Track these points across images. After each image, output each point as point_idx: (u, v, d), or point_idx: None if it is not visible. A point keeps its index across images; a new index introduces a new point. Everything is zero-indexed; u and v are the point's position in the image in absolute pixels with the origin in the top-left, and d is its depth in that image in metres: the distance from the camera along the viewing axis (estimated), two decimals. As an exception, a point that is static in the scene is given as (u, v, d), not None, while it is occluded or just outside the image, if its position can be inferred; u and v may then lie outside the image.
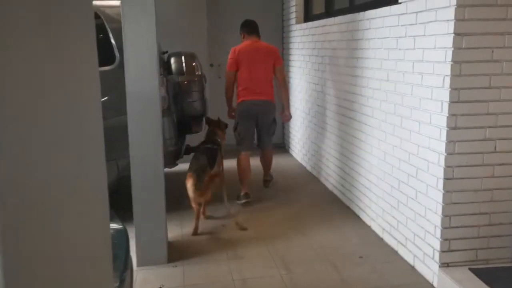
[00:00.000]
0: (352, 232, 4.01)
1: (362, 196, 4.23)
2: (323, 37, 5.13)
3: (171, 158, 4.45)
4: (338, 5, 5.19)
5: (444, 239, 3.01)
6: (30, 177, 0.66)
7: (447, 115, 2.88)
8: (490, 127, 2.91)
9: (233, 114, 5.05)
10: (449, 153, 2.91)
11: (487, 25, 2.80)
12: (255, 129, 4.99)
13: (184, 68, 4.66)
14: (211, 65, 6.66)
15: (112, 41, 4.18)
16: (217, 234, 4.05)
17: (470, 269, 2.99)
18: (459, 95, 2.85)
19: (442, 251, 3.02)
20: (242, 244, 3.82)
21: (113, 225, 2.40)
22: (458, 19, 2.77)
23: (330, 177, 5.11)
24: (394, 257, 3.54)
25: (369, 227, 4.08)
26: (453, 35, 2.78)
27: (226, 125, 4.98)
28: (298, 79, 6.21)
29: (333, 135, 4.93)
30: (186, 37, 6.00)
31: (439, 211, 2.99)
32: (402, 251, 3.53)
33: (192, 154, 4.65)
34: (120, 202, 3.61)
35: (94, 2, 4.40)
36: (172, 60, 4.76)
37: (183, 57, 4.73)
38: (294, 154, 6.64)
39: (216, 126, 4.85)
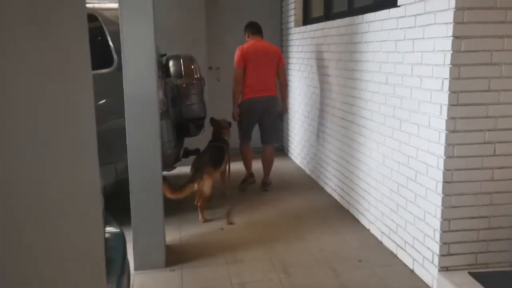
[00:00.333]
0: (351, 235, 4.00)
1: (361, 199, 4.22)
2: (322, 40, 5.13)
3: (169, 161, 4.43)
4: (337, 8, 5.18)
5: (444, 243, 2.99)
6: (20, 179, 0.65)
7: (446, 118, 2.87)
8: (489, 130, 2.90)
9: (237, 116, 5.18)
10: (448, 156, 2.90)
11: (486, 28, 2.80)
12: (259, 126, 5.23)
13: (183, 71, 4.65)
14: (210, 68, 6.65)
15: (110, 43, 4.17)
16: (215, 237, 4.03)
17: (469, 273, 2.97)
18: (458, 98, 2.85)
19: (442, 255, 3.01)
20: (240, 247, 3.80)
21: (110, 229, 2.39)
22: (457, 22, 2.76)
23: (329, 181, 5.10)
24: (393, 260, 3.53)
25: (368, 231, 4.07)
26: (452, 38, 2.78)
27: (230, 124, 5.15)
28: (297, 82, 6.20)
29: (332, 138, 4.92)
30: (185, 40, 6.00)
31: (439, 215, 2.98)
32: (401, 255, 3.51)
33: (190, 157, 4.92)
34: (118, 205, 3.61)
35: (92, 5, 4.39)
36: (171, 62, 4.75)
37: (181, 60, 4.73)
38: (293, 157, 6.63)
39: (222, 125, 5.00)
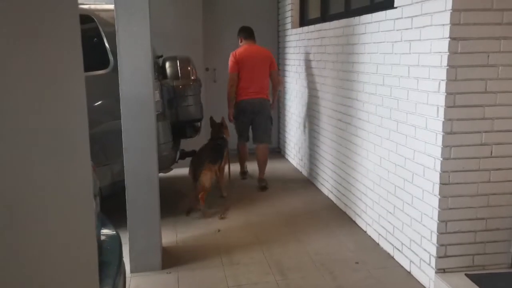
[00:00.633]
0: (348, 237, 3.99)
1: (358, 201, 4.21)
2: (318, 42, 5.13)
3: (166, 163, 4.42)
4: (334, 10, 5.19)
5: (440, 245, 2.99)
6: (6, 181, 0.63)
7: (443, 119, 2.86)
8: (486, 132, 2.90)
9: (232, 118, 5.46)
10: (445, 158, 2.90)
11: (483, 30, 2.80)
12: (251, 126, 5.48)
13: (179, 72, 4.64)
14: (207, 69, 6.64)
15: (106, 45, 4.15)
16: (212, 239, 4.02)
17: (466, 274, 2.97)
18: (454, 99, 2.84)
19: (438, 257, 3.00)
20: (237, 249, 3.79)
21: (106, 231, 2.37)
22: (454, 24, 2.76)
23: (326, 182, 5.10)
24: (390, 262, 3.52)
25: (365, 233, 4.06)
26: (448, 39, 2.78)
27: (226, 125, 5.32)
28: (293, 84, 6.20)
29: (329, 140, 4.91)
30: (182, 41, 5.99)
31: (435, 217, 2.97)
32: (398, 257, 3.51)
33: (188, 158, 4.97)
34: (114, 207, 3.59)
35: (88, 6, 4.38)
36: (167, 64, 4.73)
37: (178, 61, 4.71)
38: (290, 159, 6.62)
39: (221, 125, 5.14)
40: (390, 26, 3.48)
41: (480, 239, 3.01)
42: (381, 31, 3.62)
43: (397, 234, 3.50)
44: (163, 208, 3.62)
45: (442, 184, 2.92)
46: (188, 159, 5.22)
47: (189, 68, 4.73)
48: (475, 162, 2.92)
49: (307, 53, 5.57)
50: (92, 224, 0.96)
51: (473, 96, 2.86)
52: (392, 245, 3.58)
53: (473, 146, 2.91)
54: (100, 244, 2.17)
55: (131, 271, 3.37)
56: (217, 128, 5.08)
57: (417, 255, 3.22)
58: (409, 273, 3.33)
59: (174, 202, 4.96)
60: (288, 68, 6.47)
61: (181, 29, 6.10)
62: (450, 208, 2.95)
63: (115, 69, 3.54)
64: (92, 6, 4.43)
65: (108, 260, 2.12)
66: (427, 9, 2.97)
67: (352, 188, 4.34)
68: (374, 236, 3.90)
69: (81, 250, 0.86)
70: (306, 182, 5.64)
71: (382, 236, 3.75)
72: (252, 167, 5.94)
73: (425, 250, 3.11)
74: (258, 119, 5.37)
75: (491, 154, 2.92)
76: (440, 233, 2.97)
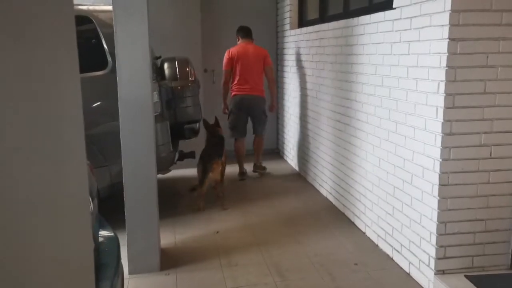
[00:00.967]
0: (347, 239, 3.98)
1: (357, 202, 4.21)
2: (317, 43, 5.12)
3: (164, 164, 4.41)
4: (332, 10, 5.18)
5: (440, 246, 2.98)
6: (2, 181, 0.62)
7: (442, 120, 2.86)
8: (485, 132, 2.89)
9: (226, 111, 5.77)
10: (444, 159, 2.89)
11: (482, 30, 2.79)
12: (249, 119, 5.76)
13: (178, 73, 4.63)
14: (205, 70, 6.63)
15: (105, 46, 4.14)
16: (210, 241, 4.01)
17: (466, 276, 2.96)
18: (454, 100, 2.84)
19: (438, 258, 2.99)
20: (236, 251, 3.78)
21: (104, 232, 2.37)
22: (453, 24, 2.75)
23: (324, 183, 5.09)
24: (390, 264, 3.51)
25: (364, 234, 4.05)
26: (447, 40, 2.77)
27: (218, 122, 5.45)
28: (292, 85, 6.19)
29: (328, 141, 4.90)
30: (180, 42, 5.98)
31: (435, 218, 2.97)
32: (397, 258, 3.50)
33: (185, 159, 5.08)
34: (113, 208, 3.58)
35: (86, 7, 4.37)
36: (166, 65, 4.73)
37: (176, 62, 4.71)
38: (288, 160, 6.61)
39: (215, 125, 5.24)
40: (389, 27, 3.48)
41: (479, 240, 3.00)
42: (380, 32, 3.62)
43: (396, 236, 3.49)
44: (161, 210, 3.60)
45: (441, 185, 2.91)
46: (187, 160, 5.23)
47: (187, 69, 4.73)
48: (475, 163, 2.92)
49: (305, 54, 5.57)
50: (88, 227, 0.95)
51: (472, 97, 2.85)
52: (391, 246, 3.57)
53: (473, 147, 2.90)
54: (98, 246, 2.16)
55: (129, 273, 3.35)
56: (212, 129, 5.19)
57: (416, 256, 3.21)
58: (408, 274, 3.33)
59: (173, 203, 4.94)
60: (286, 69, 6.46)
61: (179, 30, 6.09)
62: (450, 209, 2.94)
63: (113, 70, 3.53)
64: (90, 7, 4.42)
65: (106, 262, 2.11)
66: (426, 10, 2.97)
67: (351, 189, 4.33)
68: (373, 238, 3.89)
69: (76, 252, 0.85)
70: (305, 183, 5.63)
71: (381, 238, 3.74)
72: (249, 168, 5.97)
73: (424, 251, 3.10)
74: (253, 113, 5.70)
75: (490, 155, 2.92)
76: (440, 234, 2.96)
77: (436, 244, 2.98)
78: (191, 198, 4.93)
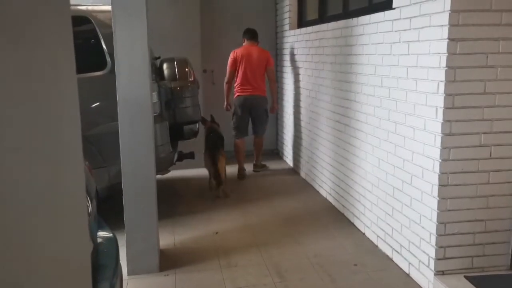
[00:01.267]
0: (346, 239, 3.97)
1: (356, 203, 4.20)
2: (317, 43, 5.12)
3: (163, 165, 4.40)
4: (332, 11, 5.18)
5: (439, 247, 2.97)
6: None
7: (442, 121, 2.85)
8: (485, 133, 2.89)
9: (229, 107, 5.94)
10: (444, 160, 2.89)
11: (482, 31, 2.79)
12: (250, 119, 5.90)
13: (177, 74, 4.63)
14: (205, 71, 6.62)
15: (104, 46, 4.13)
16: (209, 242, 4.00)
17: (465, 277, 2.96)
18: (453, 101, 2.83)
19: (438, 259, 2.99)
20: (235, 252, 3.77)
21: (103, 233, 2.36)
22: (453, 25, 2.75)
23: (324, 184, 5.08)
24: (389, 264, 3.51)
25: (363, 235, 4.05)
26: (447, 40, 2.77)
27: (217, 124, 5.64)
28: (291, 85, 6.19)
29: (327, 141, 4.90)
30: (180, 43, 5.97)
31: (434, 218, 2.96)
32: (397, 259, 3.49)
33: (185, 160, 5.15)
34: (111, 209, 3.57)
35: (85, 7, 4.36)
36: (165, 65, 4.72)
37: (175, 63, 4.70)
38: (288, 161, 6.60)
39: (212, 121, 5.51)
40: (388, 27, 3.47)
41: (479, 241, 3.00)
42: (380, 32, 3.61)
43: (396, 236, 3.48)
44: (160, 210, 3.60)
45: (441, 185, 2.91)
46: (187, 161, 5.23)
47: (186, 69, 4.72)
48: (474, 163, 2.91)
49: (305, 55, 5.56)
50: (85, 227, 0.95)
51: (472, 97, 2.85)
52: (391, 247, 3.57)
53: (472, 147, 2.90)
54: (97, 247, 2.15)
55: (128, 274, 3.35)
56: (210, 124, 5.42)
57: (416, 257, 3.20)
58: (408, 275, 3.32)
59: (172, 204, 4.94)
60: (285, 69, 6.46)
61: (178, 31, 6.08)
62: (449, 210, 2.94)
63: (112, 70, 3.52)
64: (89, 7, 4.42)
65: (105, 263, 2.10)
66: (425, 10, 2.97)
67: (350, 190, 4.32)
68: (373, 238, 3.88)
69: (74, 252, 0.85)
70: (305, 184, 5.63)
71: (381, 238, 3.73)
72: (249, 168, 5.98)
73: (424, 252, 3.10)
74: (254, 114, 5.84)
75: (490, 156, 2.91)
76: (439, 235, 2.96)
77: (436, 244, 2.97)
78: (191, 199, 4.93)
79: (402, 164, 3.35)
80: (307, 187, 5.49)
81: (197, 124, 5.04)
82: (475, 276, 2.95)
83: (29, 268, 0.72)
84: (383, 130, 3.61)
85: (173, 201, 5.04)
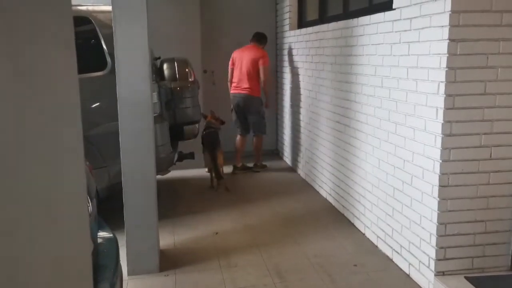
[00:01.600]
0: (346, 240, 3.97)
1: (356, 203, 4.20)
2: (317, 44, 5.12)
3: (163, 165, 4.40)
4: (332, 11, 5.18)
5: (440, 247, 2.97)
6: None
7: (442, 121, 2.85)
8: (485, 133, 2.89)
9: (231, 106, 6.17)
10: (444, 160, 2.88)
11: (482, 31, 2.79)
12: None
13: (177, 74, 4.63)
14: (205, 71, 6.62)
15: (104, 46, 4.13)
16: (209, 242, 4.00)
17: (466, 277, 2.96)
18: (454, 101, 2.83)
19: (438, 259, 2.99)
20: (235, 252, 3.77)
21: (103, 233, 2.35)
22: (453, 25, 2.75)
23: (324, 184, 5.08)
24: (389, 265, 3.51)
25: (363, 235, 4.04)
26: (447, 41, 2.77)
27: (222, 121, 5.87)
28: (291, 86, 6.19)
29: (327, 141, 4.90)
30: (180, 43, 5.97)
31: (435, 219, 2.96)
32: (397, 259, 3.49)
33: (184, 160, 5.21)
34: (111, 209, 3.57)
35: (86, 7, 4.36)
36: (165, 66, 4.72)
37: (176, 63, 4.70)
38: (287, 161, 6.60)
39: (211, 117, 5.72)
40: (388, 27, 3.47)
41: (479, 241, 3.00)
42: (380, 33, 3.61)
43: (396, 237, 3.48)
44: (160, 210, 3.59)
45: (441, 186, 2.91)
46: (187, 161, 5.23)
47: (187, 70, 4.72)
48: (475, 164, 2.91)
49: (305, 55, 5.56)
50: (86, 227, 0.95)
51: (472, 98, 2.85)
52: (391, 247, 3.57)
53: (473, 148, 2.89)
54: (97, 247, 2.15)
55: (128, 274, 3.34)
56: (208, 121, 5.61)
57: (416, 257, 3.20)
58: (408, 275, 3.32)
59: (172, 204, 4.94)
60: (285, 70, 6.46)
61: (179, 31, 6.08)
62: (450, 211, 2.94)
63: (113, 70, 3.52)
64: (90, 8, 4.42)
65: (105, 263, 2.10)
66: (426, 11, 2.97)
67: (350, 190, 4.32)
68: (373, 239, 3.88)
69: (74, 253, 0.85)
70: (304, 184, 5.63)
71: (381, 239, 3.73)
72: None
73: (424, 252, 3.10)
74: (247, 113, 6.03)
75: (490, 156, 2.91)
76: (440, 235, 2.96)
77: (436, 245, 2.97)
78: (191, 199, 4.93)
79: (402, 164, 3.34)
80: (307, 188, 5.49)
81: (197, 125, 5.04)
82: (475, 277, 2.95)
83: (30, 269, 0.72)
84: (383, 131, 3.61)
85: (173, 201, 5.04)
